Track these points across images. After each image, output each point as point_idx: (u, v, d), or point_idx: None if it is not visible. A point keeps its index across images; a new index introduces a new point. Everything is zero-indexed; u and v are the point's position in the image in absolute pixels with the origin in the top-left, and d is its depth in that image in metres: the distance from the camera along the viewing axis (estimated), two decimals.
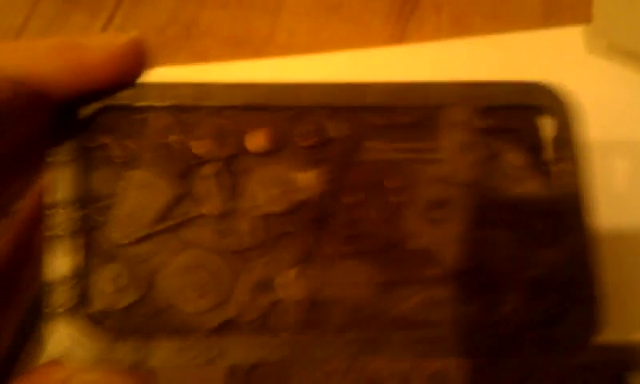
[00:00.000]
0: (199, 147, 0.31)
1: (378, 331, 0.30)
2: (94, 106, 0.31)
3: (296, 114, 0.32)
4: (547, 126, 0.33)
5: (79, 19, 0.64)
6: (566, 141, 0.33)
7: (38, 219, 0.34)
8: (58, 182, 0.30)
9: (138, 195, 0.30)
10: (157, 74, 0.32)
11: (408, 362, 0.43)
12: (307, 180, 0.31)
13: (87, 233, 0.30)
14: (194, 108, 0.32)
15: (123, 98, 0.31)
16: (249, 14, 0.63)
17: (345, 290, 0.31)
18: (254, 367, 0.44)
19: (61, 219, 0.30)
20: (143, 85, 0.31)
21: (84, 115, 0.30)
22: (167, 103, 0.31)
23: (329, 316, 0.30)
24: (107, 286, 0.30)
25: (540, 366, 0.43)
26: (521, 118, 0.33)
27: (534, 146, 0.33)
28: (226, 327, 0.30)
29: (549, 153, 0.33)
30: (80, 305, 0.29)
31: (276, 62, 0.58)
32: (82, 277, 0.30)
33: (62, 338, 0.28)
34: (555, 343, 0.30)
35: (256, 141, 0.32)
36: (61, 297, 0.29)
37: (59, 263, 0.29)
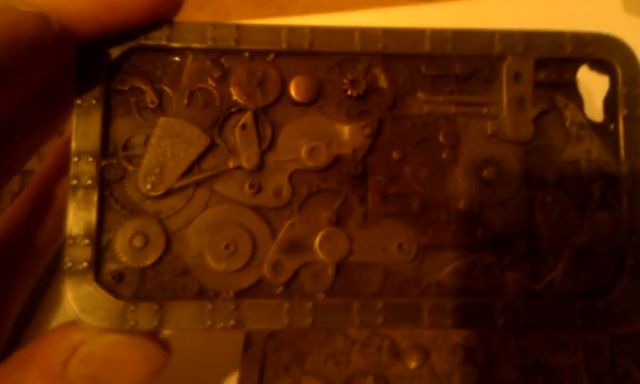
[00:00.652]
0: (239, 93, 0.29)
1: (411, 298, 0.29)
2: (126, 46, 0.28)
3: (344, 61, 0.30)
4: (613, 82, 0.31)
5: None
6: (634, 98, 0.30)
7: (62, 168, 0.33)
8: (84, 128, 0.28)
9: (170, 144, 0.29)
10: None
11: (433, 333, 0.42)
12: (351, 132, 0.29)
13: (113, 184, 0.29)
14: (235, 51, 0.29)
15: (158, 37, 0.29)
16: None
17: (381, 253, 0.29)
18: (271, 336, 0.44)
19: (85, 168, 0.28)
20: (180, 23, 0.29)
21: (114, 55, 0.28)
22: (206, 45, 0.29)
23: (361, 281, 0.29)
24: (130, 243, 0.28)
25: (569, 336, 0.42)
26: (586, 71, 0.31)
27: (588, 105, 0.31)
28: (255, 289, 0.29)
29: (612, 110, 0.30)
30: (100, 262, 0.28)
31: (300, 21, 0.55)
32: (104, 232, 0.28)
33: (81, 297, 0.28)
34: (604, 315, 0.29)
35: (300, 88, 0.29)
36: (81, 252, 0.28)
37: (82, 216, 0.28)
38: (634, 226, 0.29)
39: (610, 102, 0.30)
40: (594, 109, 0.31)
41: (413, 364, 0.42)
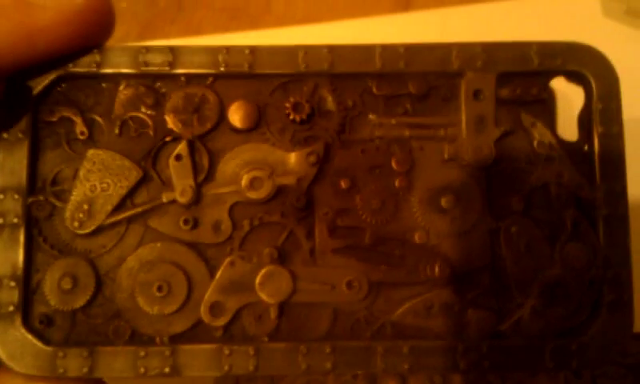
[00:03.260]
0: (174, 121, 0.27)
1: (363, 341, 0.27)
2: (54, 74, 0.27)
3: (288, 82, 0.28)
4: (587, 97, 0.28)
5: None
6: (611, 114, 0.27)
7: None
8: (10, 163, 0.26)
9: (99, 178, 0.27)
10: None
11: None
12: (295, 160, 0.27)
13: (41, 221, 0.27)
14: (170, 75, 0.27)
15: (87, 63, 0.27)
16: None
17: (329, 292, 0.27)
18: None
19: (11, 206, 0.26)
20: (110, 49, 0.27)
21: (42, 85, 0.27)
22: (139, 70, 0.27)
23: (308, 322, 0.27)
24: (59, 285, 0.27)
25: None
26: (555, 85, 0.28)
27: (568, 119, 0.28)
28: (191, 333, 0.27)
29: (586, 128, 0.28)
30: (28, 305, 0.27)
31: (273, 34, 0.54)
32: (33, 273, 0.27)
33: (8, 342, 0.26)
34: (577, 356, 0.26)
35: (240, 113, 0.27)
36: (7, 295, 0.26)
37: (8, 256, 0.26)
38: (611, 259, 0.26)
39: (585, 119, 0.28)
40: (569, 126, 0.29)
41: None
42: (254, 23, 0.54)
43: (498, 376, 0.39)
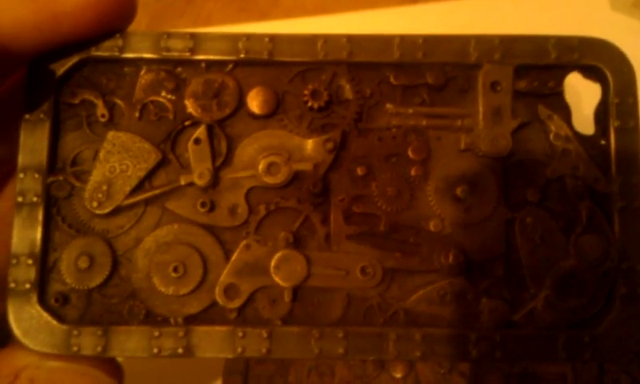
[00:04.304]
0: (193, 106, 0.28)
1: (376, 327, 0.27)
2: (76, 57, 0.27)
3: (307, 71, 0.28)
4: (604, 91, 0.28)
5: None
6: (627, 109, 0.27)
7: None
8: (31, 143, 0.27)
9: (118, 159, 0.27)
10: None
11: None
12: (312, 147, 0.27)
13: (60, 201, 0.27)
14: (190, 61, 0.28)
15: (109, 48, 0.27)
16: None
17: (343, 278, 0.27)
18: None
19: (31, 185, 0.27)
20: (132, 34, 0.28)
21: (64, 68, 0.27)
22: (160, 55, 0.28)
23: (322, 307, 0.27)
24: (75, 264, 0.27)
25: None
26: (572, 79, 0.28)
27: (584, 112, 0.28)
28: (206, 315, 0.27)
29: (603, 122, 0.28)
30: (45, 283, 0.27)
31: (282, 25, 0.54)
32: (50, 251, 0.27)
33: (23, 319, 0.26)
34: (590, 348, 0.26)
35: (259, 99, 0.28)
36: (24, 273, 0.26)
37: (26, 234, 0.27)
38: (626, 251, 0.26)
39: (601, 113, 0.28)
40: (584, 119, 0.29)
41: (398, 375, 0.41)
42: (263, 15, 0.54)
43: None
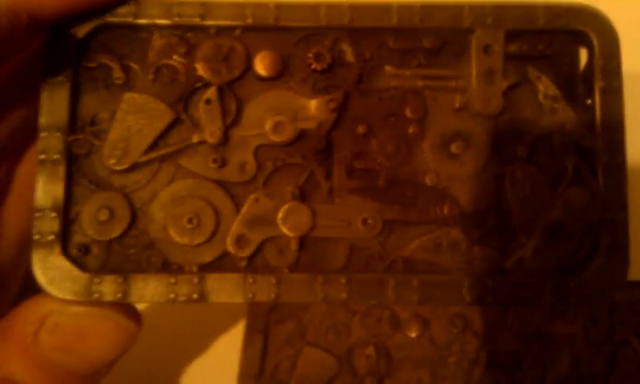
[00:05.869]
0: (204, 69, 0.29)
1: (377, 274, 0.29)
2: (93, 24, 0.29)
3: (310, 35, 0.30)
4: (589, 54, 0.30)
5: None
6: (611, 70, 0.29)
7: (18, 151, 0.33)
8: (52, 104, 0.29)
9: (134, 119, 0.29)
10: None
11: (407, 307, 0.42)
12: (316, 107, 0.29)
13: (80, 158, 0.29)
14: (201, 27, 0.29)
15: (124, 14, 0.29)
16: None
17: (345, 228, 0.29)
18: (273, 308, 0.44)
19: (53, 143, 0.29)
20: (145, 1, 0.29)
21: (82, 34, 0.29)
22: (172, 21, 0.29)
23: (326, 255, 0.29)
24: (96, 216, 0.29)
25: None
26: (559, 43, 0.30)
27: (571, 74, 0.30)
28: (218, 263, 0.29)
29: (589, 83, 0.29)
30: (67, 235, 0.29)
31: None
32: (71, 205, 0.29)
33: (47, 269, 0.28)
34: (576, 293, 0.28)
35: (265, 62, 0.29)
36: (49, 225, 0.28)
37: (49, 189, 0.28)
38: (610, 203, 0.28)
39: (587, 74, 0.29)
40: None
41: (413, 334, 0.42)
42: None
43: (517, 320, 0.42)
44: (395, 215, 0.29)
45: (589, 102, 0.29)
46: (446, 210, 0.29)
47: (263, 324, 0.43)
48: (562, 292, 0.28)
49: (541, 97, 0.29)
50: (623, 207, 0.28)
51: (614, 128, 0.29)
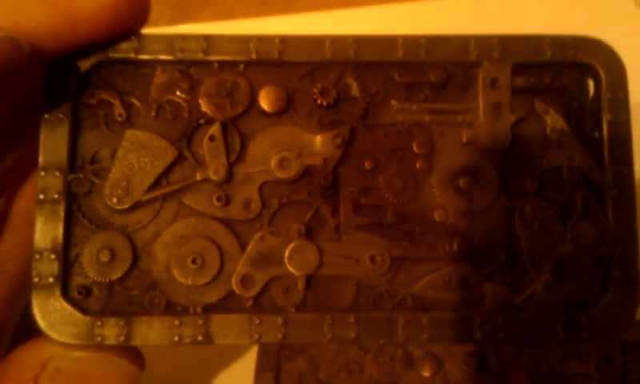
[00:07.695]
0: (207, 104, 0.29)
1: (385, 312, 0.28)
2: (94, 59, 0.28)
3: (315, 70, 0.29)
4: (596, 86, 0.29)
5: None
6: (619, 103, 0.29)
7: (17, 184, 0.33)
8: (52, 142, 0.28)
9: (136, 157, 0.28)
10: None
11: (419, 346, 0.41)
12: (322, 142, 0.29)
13: (80, 198, 0.28)
14: (204, 62, 0.29)
15: (125, 50, 0.29)
16: None
17: (353, 266, 0.28)
18: (284, 345, 0.43)
19: (53, 182, 0.28)
20: (147, 36, 0.29)
21: (83, 69, 0.28)
22: (175, 56, 0.29)
23: (334, 294, 0.28)
24: (97, 257, 0.28)
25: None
26: (566, 75, 0.29)
27: (578, 107, 0.30)
28: (223, 303, 0.28)
29: (596, 116, 0.29)
30: (67, 277, 0.28)
31: (305, 18, 0.54)
32: (71, 246, 0.28)
33: (47, 312, 0.27)
34: (589, 328, 0.28)
35: (270, 98, 0.29)
36: (48, 267, 0.27)
37: (48, 230, 0.28)
38: (620, 236, 0.28)
39: (594, 107, 0.29)
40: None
41: (426, 373, 0.42)
42: (286, 8, 0.55)
43: (531, 359, 0.41)
44: (403, 252, 0.29)
45: (596, 135, 0.29)
46: (455, 246, 0.28)
47: (274, 361, 0.42)
48: (573, 327, 0.28)
49: (548, 130, 0.29)
50: (633, 240, 0.28)
51: (623, 161, 0.28)
